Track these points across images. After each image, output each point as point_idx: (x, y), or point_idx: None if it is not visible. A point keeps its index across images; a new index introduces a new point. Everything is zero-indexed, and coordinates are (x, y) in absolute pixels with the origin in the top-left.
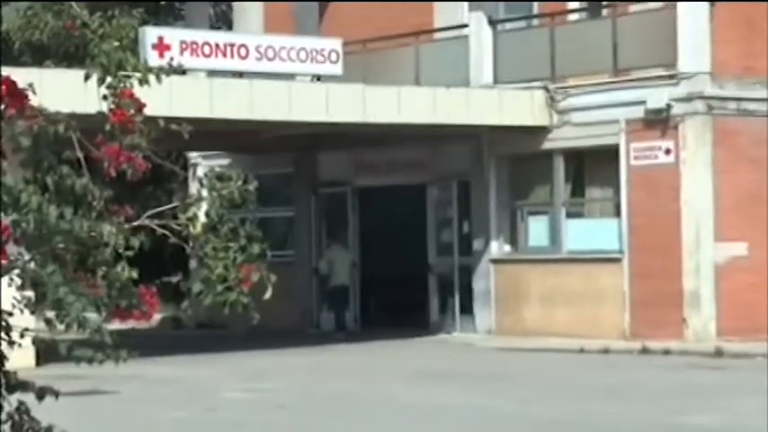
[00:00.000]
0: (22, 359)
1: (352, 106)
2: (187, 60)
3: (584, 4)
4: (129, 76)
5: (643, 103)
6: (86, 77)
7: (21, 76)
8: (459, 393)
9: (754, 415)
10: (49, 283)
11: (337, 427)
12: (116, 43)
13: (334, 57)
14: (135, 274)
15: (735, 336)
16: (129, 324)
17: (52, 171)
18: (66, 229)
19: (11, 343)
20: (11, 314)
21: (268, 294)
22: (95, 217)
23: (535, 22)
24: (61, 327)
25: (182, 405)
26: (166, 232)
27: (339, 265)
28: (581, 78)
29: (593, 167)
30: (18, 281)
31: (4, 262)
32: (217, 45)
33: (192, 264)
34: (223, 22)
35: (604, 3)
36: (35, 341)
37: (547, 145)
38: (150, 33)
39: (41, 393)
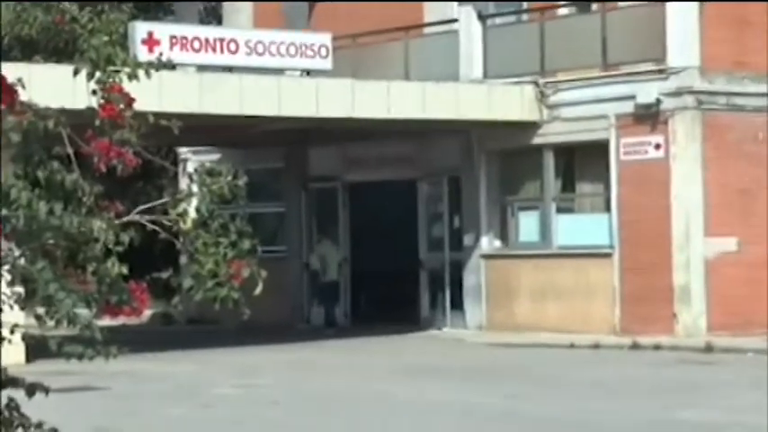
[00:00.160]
0: (11, 355)
1: (342, 101)
2: (177, 55)
3: None
4: (118, 71)
5: (633, 98)
6: (75, 72)
7: (10, 71)
8: (449, 389)
9: (745, 410)
10: (40, 279)
11: (330, 423)
12: (105, 38)
13: (323, 52)
14: (125, 270)
15: (725, 331)
16: (120, 320)
17: (42, 167)
18: (56, 224)
19: (0, 339)
20: (0, 310)
21: (259, 290)
22: (85, 213)
23: (525, 17)
24: (51, 323)
25: (173, 401)
26: (157, 228)
27: (329, 260)
28: (571, 73)
29: (583, 163)
30: (8, 277)
31: None
32: (206, 40)
33: (183, 259)
34: (213, 17)
35: None
36: (25, 337)
37: (537, 140)
38: (140, 28)
39: (31, 390)
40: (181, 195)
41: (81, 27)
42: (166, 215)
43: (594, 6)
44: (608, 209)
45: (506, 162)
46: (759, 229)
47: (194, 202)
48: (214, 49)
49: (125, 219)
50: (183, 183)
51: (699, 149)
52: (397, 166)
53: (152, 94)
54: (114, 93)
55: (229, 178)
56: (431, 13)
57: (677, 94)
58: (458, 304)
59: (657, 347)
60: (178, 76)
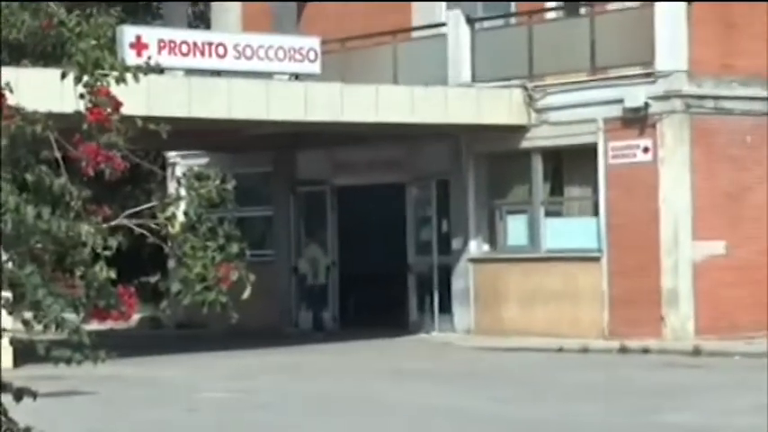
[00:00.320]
0: None
1: (331, 105)
2: (165, 59)
3: (562, 3)
4: (106, 75)
5: (621, 101)
6: (63, 76)
7: None
8: (437, 392)
9: (732, 413)
10: (28, 284)
11: (317, 427)
12: (93, 42)
13: (312, 55)
14: (113, 274)
15: (713, 334)
16: (108, 324)
17: (30, 170)
18: (43, 229)
19: None
20: None
21: (247, 294)
22: (73, 217)
23: (513, 20)
24: (39, 327)
25: (162, 406)
26: (145, 232)
27: (318, 264)
28: (559, 77)
29: (571, 166)
30: None
31: None
32: (195, 44)
33: (171, 263)
34: (201, 21)
35: (582, 1)
36: (13, 342)
37: (525, 144)
38: (128, 32)
39: (19, 394)
40: (169, 199)
41: (69, 31)
42: (155, 219)
43: (583, 10)
44: (596, 212)
45: (495, 166)
46: (747, 233)
47: (182, 205)
48: (202, 53)
49: (113, 223)
50: (172, 187)
51: (687, 153)
52: (385, 169)
53: (140, 98)
54: (102, 96)
55: (218, 182)
56: (419, 16)
57: (665, 97)
58: (446, 308)
59: (646, 351)
60: (166, 81)
